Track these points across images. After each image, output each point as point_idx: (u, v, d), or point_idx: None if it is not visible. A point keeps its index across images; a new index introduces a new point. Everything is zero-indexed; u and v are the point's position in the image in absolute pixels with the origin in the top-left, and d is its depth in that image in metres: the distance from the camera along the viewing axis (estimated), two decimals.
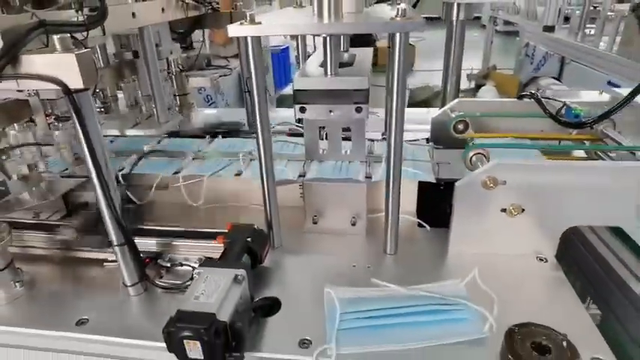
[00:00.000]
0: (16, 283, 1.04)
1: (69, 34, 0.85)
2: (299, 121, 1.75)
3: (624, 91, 1.29)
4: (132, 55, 1.47)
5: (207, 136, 1.54)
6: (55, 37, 0.76)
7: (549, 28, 4.01)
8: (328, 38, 0.98)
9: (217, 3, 1.62)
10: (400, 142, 0.97)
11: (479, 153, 1.12)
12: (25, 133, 1.15)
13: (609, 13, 3.34)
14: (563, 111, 1.27)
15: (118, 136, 1.50)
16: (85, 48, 0.83)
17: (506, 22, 8.27)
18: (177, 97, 1.75)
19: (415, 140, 1.45)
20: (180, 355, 0.78)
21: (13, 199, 1.26)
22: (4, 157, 1.17)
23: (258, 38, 0.91)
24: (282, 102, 5.34)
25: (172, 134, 1.62)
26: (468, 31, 1.56)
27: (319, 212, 1.22)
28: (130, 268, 0.98)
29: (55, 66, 0.77)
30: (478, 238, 1.08)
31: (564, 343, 0.78)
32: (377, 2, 1.26)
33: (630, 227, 1.03)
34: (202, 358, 0.77)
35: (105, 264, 1.11)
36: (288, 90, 5.94)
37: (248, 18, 0.89)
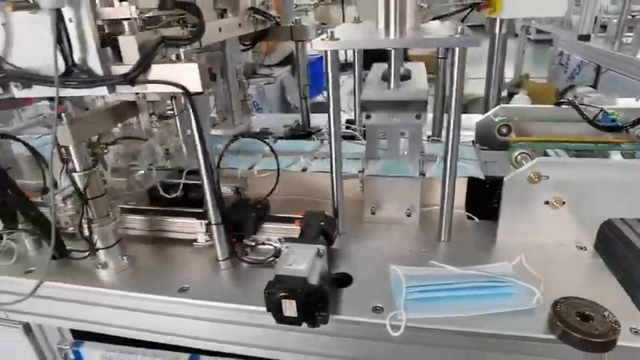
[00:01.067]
0: (123, 257, 1.23)
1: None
2: (348, 122, 1.92)
3: None
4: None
5: (270, 137, 1.72)
6: (181, 50, 0.95)
7: (585, 37, 4.07)
8: (393, 54, 1.14)
9: (279, 17, 1.80)
10: (457, 143, 1.12)
11: (523, 153, 1.26)
12: (125, 131, 1.35)
13: None
14: (600, 116, 1.38)
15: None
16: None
17: (539, 31, 8.28)
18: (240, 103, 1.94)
19: (463, 142, 1.59)
20: (277, 313, 0.94)
21: (109, 188, 1.47)
22: (105, 151, 1.37)
23: (336, 52, 1.08)
24: (317, 108, 5.49)
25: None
26: None
27: (377, 204, 1.37)
28: (222, 245, 1.16)
29: (178, 73, 0.95)
30: (523, 227, 1.21)
31: (606, 313, 0.90)
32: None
33: None
34: (296, 315, 0.93)
35: (194, 243, 1.29)
36: (321, 97, 6.11)
37: (329, 34, 1.06)
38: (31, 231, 1.30)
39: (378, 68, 1.34)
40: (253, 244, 1.22)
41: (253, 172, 1.44)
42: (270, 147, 1.35)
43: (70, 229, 1.30)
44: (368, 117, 1.17)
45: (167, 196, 1.38)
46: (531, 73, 5.77)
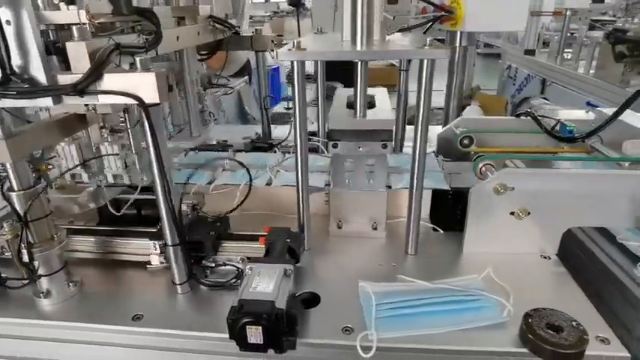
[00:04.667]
0: (69, 284, 1.12)
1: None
2: (311, 134, 1.89)
3: (608, 110, 1.46)
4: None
5: (230, 150, 1.65)
6: (137, 58, 0.87)
7: (530, 52, 4.29)
8: (359, 79, 1.11)
9: (239, 27, 1.75)
10: (424, 155, 1.11)
11: (488, 164, 1.26)
12: (71, 146, 1.23)
13: (584, 39, 3.63)
14: (557, 127, 1.43)
15: None
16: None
17: (486, 45, 8.68)
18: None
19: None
20: (241, 341, 0.87)
21: (54, 207, 1.34)
22: (50, 167, 1.25)
23: (303, 62, 1.04)
24: (273, 120, 5.41)
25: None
26: None
27: (343, 218, 1.33)
28: (180, 268, 1.08)
29: (134, 83, 0.88)
30: (489, 238, 1.21)
31: (574, 323, 0.91)
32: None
33: (619, 227, 1.20)
34: (262, 342, 0.87)
35: (148, 266, 1.19)
36: (278, 108, 6.05)
37: (295, 44, 1.02)
38: None
39: (342, 94, 1.32)
40: (213, 265, 1.15)
41: (210, 187, 1.37)
42: (240, 162, 1.28)
43: (7, 254, 1.17)
44: (335, 146, 1.14)
45: (117, 213, 1.28)
46: (481, 85, 5.99)
